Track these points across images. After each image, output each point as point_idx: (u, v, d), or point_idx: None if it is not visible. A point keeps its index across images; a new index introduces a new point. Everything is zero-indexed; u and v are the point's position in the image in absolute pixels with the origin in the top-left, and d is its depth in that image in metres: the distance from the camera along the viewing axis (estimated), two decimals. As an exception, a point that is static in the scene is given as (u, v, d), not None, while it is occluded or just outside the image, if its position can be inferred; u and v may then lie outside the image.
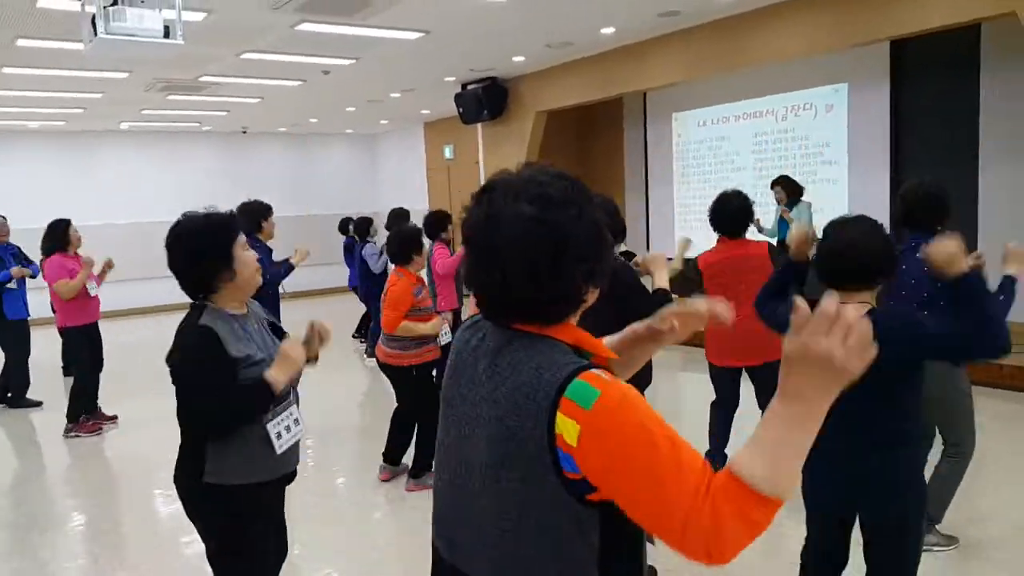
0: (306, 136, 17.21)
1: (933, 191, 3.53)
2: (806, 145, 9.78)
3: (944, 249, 2.36)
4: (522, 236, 1.23)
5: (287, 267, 5.81)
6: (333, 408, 6.75)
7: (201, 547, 2.50)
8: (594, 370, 1.21)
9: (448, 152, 14.93)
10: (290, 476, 2.55)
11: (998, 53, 7.70)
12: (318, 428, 6.01)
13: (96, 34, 5.65)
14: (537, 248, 1.23)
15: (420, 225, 5.62)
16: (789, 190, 7.91)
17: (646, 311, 3.25)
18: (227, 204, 2.64)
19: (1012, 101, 7.66)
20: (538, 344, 1.28)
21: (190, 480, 2.37)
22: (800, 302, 1.07)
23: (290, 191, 16.84)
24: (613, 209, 3.41)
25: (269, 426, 2.36)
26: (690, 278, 4.48)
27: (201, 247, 2.31)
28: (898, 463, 2.42)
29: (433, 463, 1.48)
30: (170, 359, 2.34)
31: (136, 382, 7.83)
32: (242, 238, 2.39)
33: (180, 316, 2.41)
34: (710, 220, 4.42)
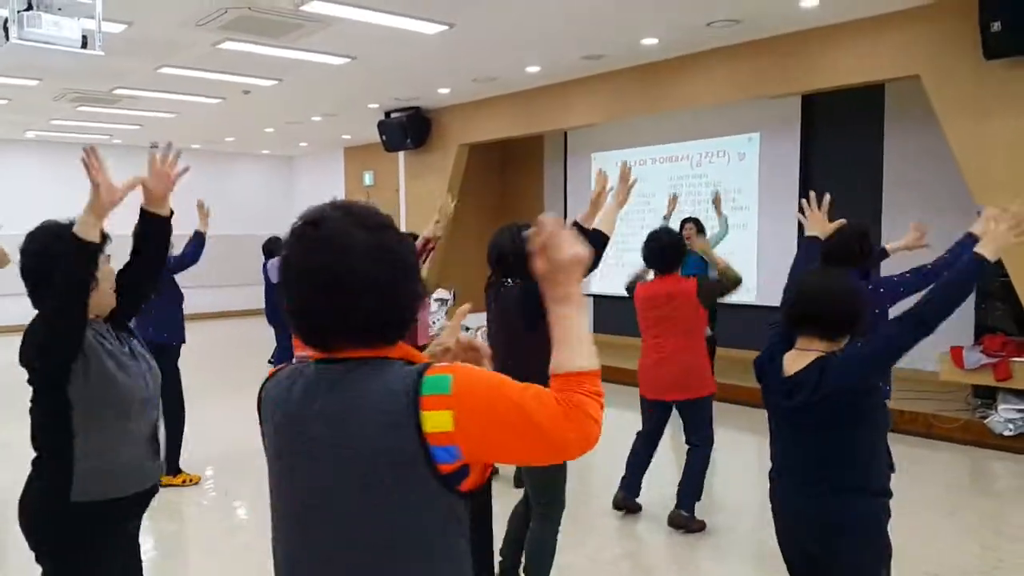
0: (221, 154, 16.80)
1: (863, 229, 3.76)
2: (719, 191, 10.12)
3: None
4: (362, 260, 1.28)
5: (196, 240, 5.57)
6: (242, 435, 6.54)
7: None
8: (434, 365, 1.31)
9: (368, 178, 14.83)
10: (151, 492, 2.42)
11: (901, 111, 8.22)
12: (225, 456, 5.82)
13: (7, 39, 5.41)
14: (384, 272, 1.30)
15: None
16: (699, 229, 8.25)
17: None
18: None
19: (912, 156, 8.17)
20: (375, 366, 1.32)
21: (48, 499, 2.24)
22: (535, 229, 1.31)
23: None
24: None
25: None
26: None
27: (55, 256, 2.22)
28: (855, 510, 2.40)
29: (273, 541, 1.43)
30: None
31: None
32: (105, 250, 2.34)
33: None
34: (643, 258, 4.55)
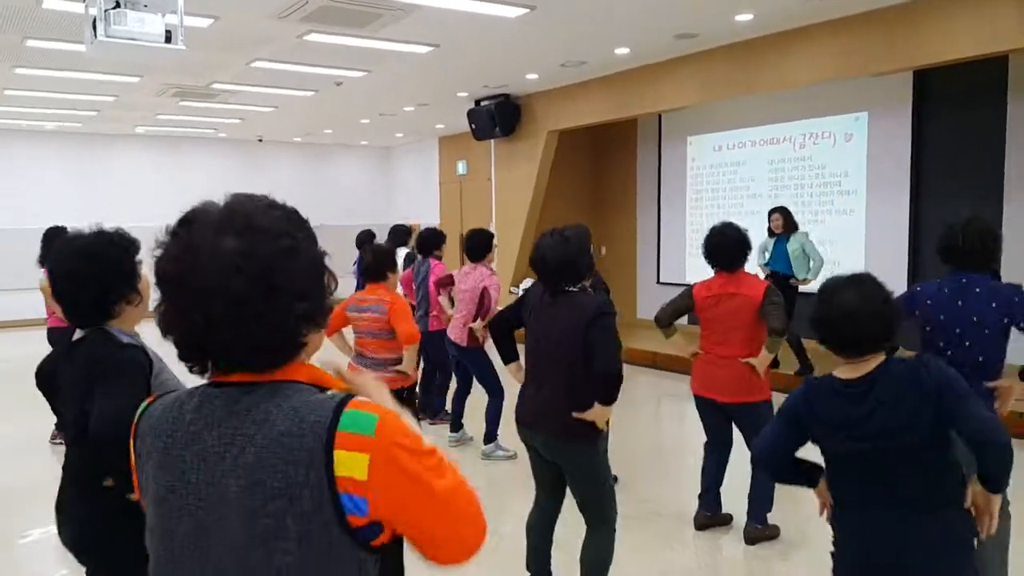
0: (321, 146, 17.16)
1: (992, 228, 3.29)
2: (823, 174, 9.56)
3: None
4: (225, 272, 1.08)
5: None
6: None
7: None
8: (356, 398, 1.12)
9: (461, 167, 14.81)
10: None
11: (1026, 85, 7.48)
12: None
13: (96, 36, 5.56)
14: (243, 285, 1.09)
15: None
16: (787, 222, 7.76)
17: (607, 370, 3.09)
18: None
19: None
20: (279, 390, 1.13)
21: (101, 502, 2.12)
22: None
23: (303, 201, 16.71)
24: (586, 241, 3.27)
25: None
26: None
27: (109, 265, 2.13)
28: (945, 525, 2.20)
29: None
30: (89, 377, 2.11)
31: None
32: (141, 257, 2.22)
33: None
34: (704, 255, 4.21)
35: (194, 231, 1.13)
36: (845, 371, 2.27)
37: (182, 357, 1.17)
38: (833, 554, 2.39)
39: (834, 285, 2.28)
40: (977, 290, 3.18)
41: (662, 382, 8.68)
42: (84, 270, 2.13)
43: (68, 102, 11.13)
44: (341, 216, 16.42)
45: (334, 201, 17.36)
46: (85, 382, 2.11)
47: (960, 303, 3.20)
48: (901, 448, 2.15)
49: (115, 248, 2.20)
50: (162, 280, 1.14)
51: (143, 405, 1.28)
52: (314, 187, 17.22)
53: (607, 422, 3.27)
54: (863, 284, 2.25)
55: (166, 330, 1.15)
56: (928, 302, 3.28)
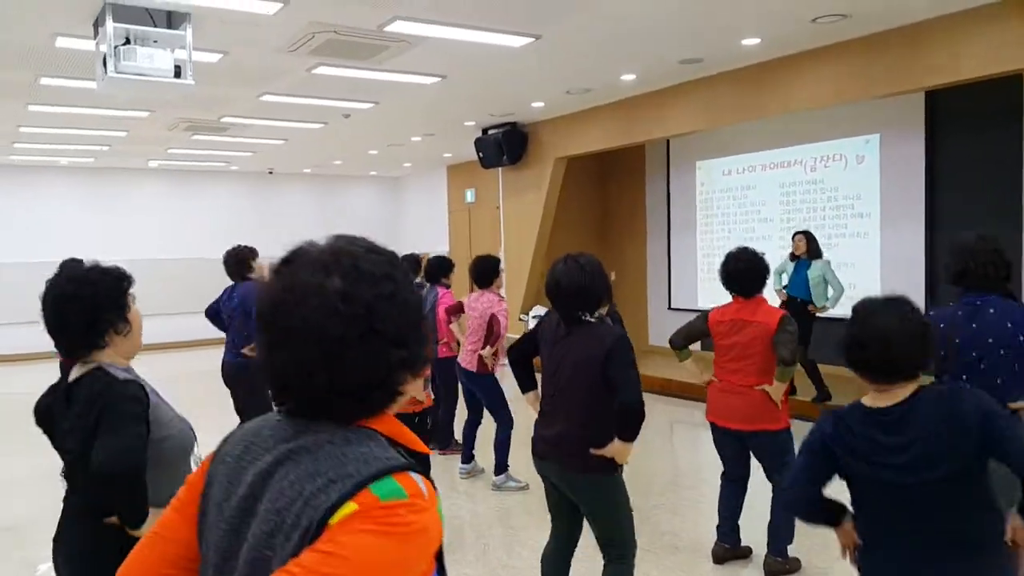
0: (331, 177, 17.26)
1: (999, 247, 3.22)
2: (835, 197, 9.50)
3: None
4: (320, 314, 1.06)
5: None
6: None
7: None
8: (412, 474, 1.06)
9: (470, 196, 14.85)
10: None
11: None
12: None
13: (107, 73, 5.61)
14: (335, 328, 1.06)
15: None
16: (811, 246, 7.67)
17: (631, 403, 3.02)
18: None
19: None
20: (351, 434, 1.10)
21: (101, 538, 2.12)
22: None
23: (315, 231, 16.80)
24: (601, 268, 3.23)
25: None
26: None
27: (99, 291, 2.15)
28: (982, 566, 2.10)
29: None
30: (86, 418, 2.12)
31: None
32: (132, 288, 2.25)
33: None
34: (721, 280, 4.16)
35: (296, 271, 1.11)
36: (875, 399, 2.16)
37: (274, 397, 1.16)
38: None
39: (871, 306, 2.18)
40: (991, 311, 3.12)
41: (676, 409, 8.58)
42: (74, 293, 2.16)
43: (81, 138, 11.25)
44: (352, 246, 16.48)
45: (345, 231, 17.27)
46: (87, 419, 2.12)
47: (975, 325, 3.14)
48: (937, 480, 2.05)
49: (107, 277, 2.22)
50: (261, 318, 1.13)
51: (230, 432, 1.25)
52: (325, 217, 17.30)
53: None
54: (901, 306, 2.15)
55: (263, 372, 1.13)
56: (942, 326, 3.22)
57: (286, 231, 16.37)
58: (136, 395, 2.14)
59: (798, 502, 2.36)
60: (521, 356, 3.57)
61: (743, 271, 4.04)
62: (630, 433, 3.08)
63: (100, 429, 2.08)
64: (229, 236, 7.85)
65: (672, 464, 6.96)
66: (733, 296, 4.12)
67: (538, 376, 3.53)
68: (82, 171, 14.56)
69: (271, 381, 1.13)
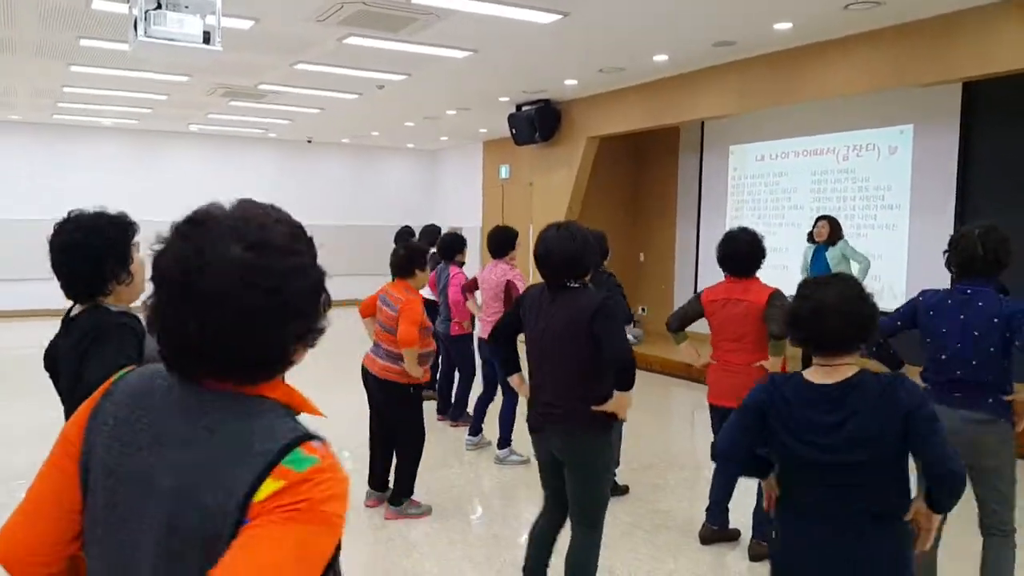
0: (369, 148, 17.39)
1: (1008, 236, 3.20)
2: (866, 187, 9.35)
3: None
4: (233, 283, 1.07)
5: None
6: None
7: None
8: (314, 442, 1.10)
9: (504, 172, 14.87)
10: None
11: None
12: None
13: (138, 36, 5.73)
14: (249, 299, 1.07)
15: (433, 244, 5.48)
16: (833, 231, 7.64)
17: (618, 357, 3.08)
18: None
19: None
20: (247, 405, 1.12)
21: None
22: None
23: (352, 201, 17.15)
24: (591, 238, 3.29)
25: None
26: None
27: (105, 241, 2.24)
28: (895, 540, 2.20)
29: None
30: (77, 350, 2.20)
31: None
32: (137, 238, 2.32)
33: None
34: (718, 261, 4.18)
35: (205, 234, 1.10)
36: (817, 375, 2.25)
37: (163, 356, 1.15)
38: (773, 557, 2.38)
39: (812, 283, 2.30)
40: (980, 304, 3.09)
41: (698, 395, 8.57)
42: (82, 242, 2.25)
43: (123, 99, 11.49)
44: (388, 217, 16.63)
45: (381, 202, 17.60)
46: (80, 349, 2.22)
47: (962, 316, 3.12)
48: (867, 460, 2.13)
49: (113, 227, 2.32)
50: (163, 278, 1.11)
51: (122, 372, 1.26)
52: (362, 188, 17.49)
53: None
54: (841, 282, 2.26)
55: (154, 327, 1.13)
56: (931, 313, 3.22)
57: (323, 199, 16.60)
58: (128, 324, 2.24)
59: (732, 459, 2.44)
60: (504, 333, 3.57)
61: (737, 251, 4.11)
62: (625, 383, 3.15)
63: (90, 356, 2.18)
64: (266, 202, 7.97)
65: (680, 445, 6.99)
66: (727, 275, 4.15)
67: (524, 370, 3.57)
68: (125, 132, 14.88)
69: (168, 341, 1.12)
